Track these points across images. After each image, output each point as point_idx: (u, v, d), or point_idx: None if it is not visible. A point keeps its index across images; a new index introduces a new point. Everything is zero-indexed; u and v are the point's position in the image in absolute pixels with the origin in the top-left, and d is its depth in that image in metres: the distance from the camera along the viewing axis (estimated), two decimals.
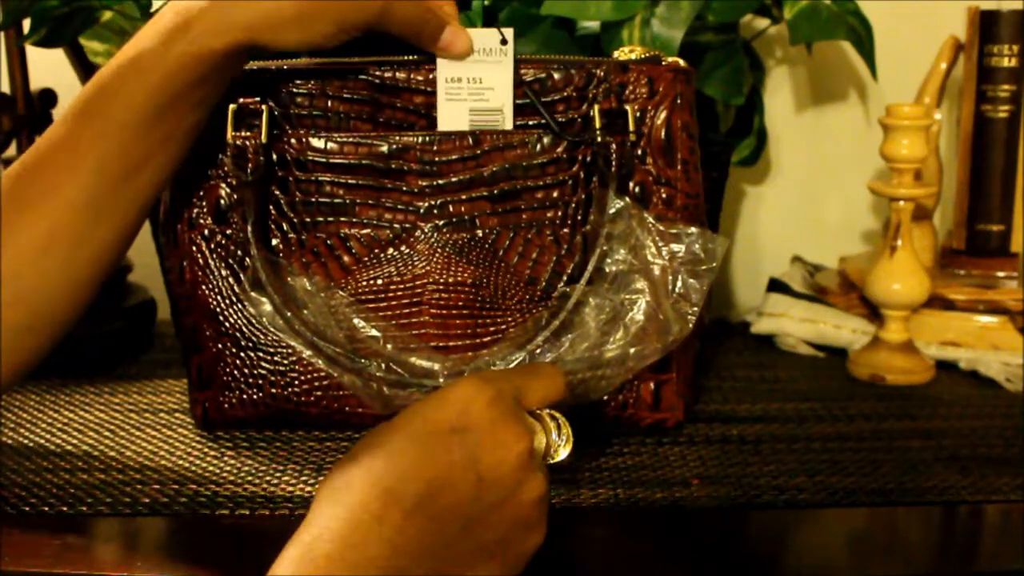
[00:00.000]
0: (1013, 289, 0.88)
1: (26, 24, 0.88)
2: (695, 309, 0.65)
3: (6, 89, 0.95)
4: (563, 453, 0.53)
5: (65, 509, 0.61)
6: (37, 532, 0.59)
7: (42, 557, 0.56)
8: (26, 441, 0.71)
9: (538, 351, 0.65)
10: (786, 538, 0.61)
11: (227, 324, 0.69)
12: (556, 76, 0.67)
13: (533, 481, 0.50)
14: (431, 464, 0.48)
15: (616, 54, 0.69)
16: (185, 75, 0.57)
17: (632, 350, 0.65)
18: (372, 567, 0.45)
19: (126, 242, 0.61)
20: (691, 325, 0.65)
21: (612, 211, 0.66)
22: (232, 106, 0.66)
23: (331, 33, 0.59)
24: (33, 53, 0.92)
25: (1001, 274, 0.91)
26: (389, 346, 0.66)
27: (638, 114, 0.67)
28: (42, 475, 0.65)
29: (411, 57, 0.66)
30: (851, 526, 0.61)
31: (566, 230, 0.68)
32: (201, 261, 0.68)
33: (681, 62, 0.69)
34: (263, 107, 0.67)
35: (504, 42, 0.63)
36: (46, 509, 0.61)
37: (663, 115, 0.67)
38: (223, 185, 0.68)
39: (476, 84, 0.65)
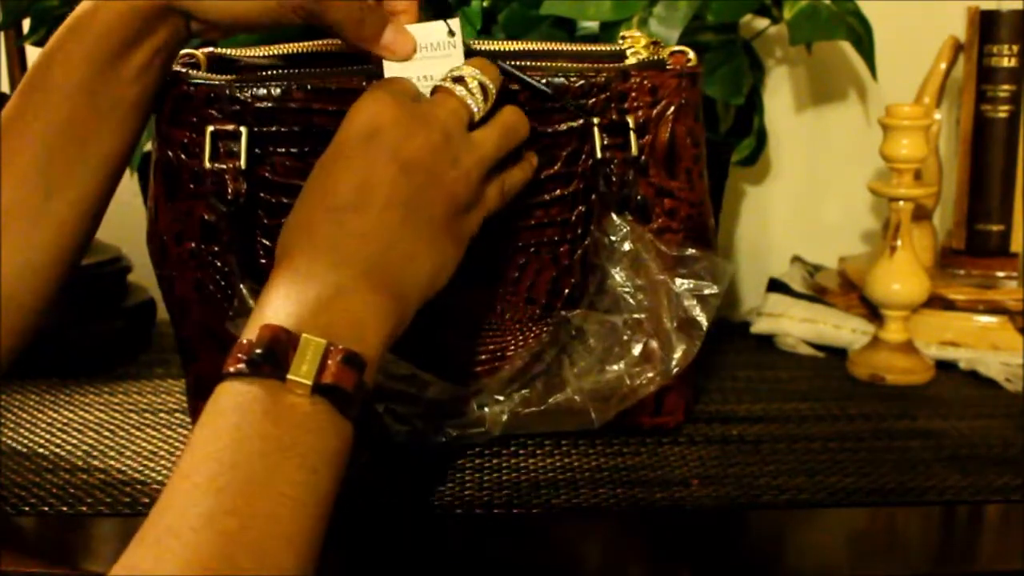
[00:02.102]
0: (1013, 289, 0.88)
1: (26, 24, 0.88)
2: (700, 333, 0.63)
3: (6, 89, 0.95)
4: (481, 110, 0.58)
5: (65, 509, 0.61)
6: (37, 532, 0.59)
7: (42, 557, 0.56)
8: (26, 441, 0.71)
9: (539, 375, 0.64)
10: (786, 538, 0.61)
11: (219, 337, 0.65)
12: (555, 82, 0.64)
13: (460, 154, 0.55)
14: (353, 171, 0.52)
15: (620, 41, 0.66)
16: (117, 34, 0.56)
17: (635, 371, 0.63)
18: (345, 262, 0.50)
19: (88, 221, 0.59)
20: (695, 350, 0.63)
21: (614, 230, 0.64)
22: (210, 128, 0.63)
23: (257, 9, 0.57)
24: (33, 53, 0.92)
25: (1001, 274, 0.91)
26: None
27: (641, 122, 0.64)
28: (42, 475, 0.65)
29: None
30: (851, 526, 0.61)
31: (565, 247, 0.66)
32: (189, 275, 0.66)
33: (690, 53, 0.65)
34: (241, 129, 0.63)
35: (452, 34, 0.61)
36: (46, 509, 0.61)
37: (666, 124, 0.64)
38: (205, 206, 0.64)
39: (428, 81, 0.60)
